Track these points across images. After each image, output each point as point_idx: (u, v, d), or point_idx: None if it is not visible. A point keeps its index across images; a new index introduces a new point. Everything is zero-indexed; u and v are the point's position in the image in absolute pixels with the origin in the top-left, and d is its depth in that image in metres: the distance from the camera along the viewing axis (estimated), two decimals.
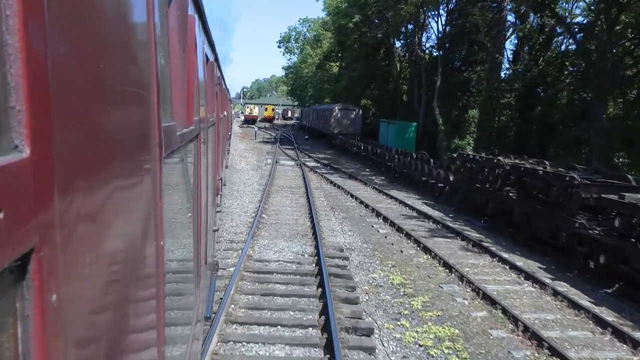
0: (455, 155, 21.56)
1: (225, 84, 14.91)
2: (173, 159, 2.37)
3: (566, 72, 32.31)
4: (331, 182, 24.10)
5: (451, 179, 20.22)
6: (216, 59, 7.39)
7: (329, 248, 12.31)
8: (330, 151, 43.83)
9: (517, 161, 16.83)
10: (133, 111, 1.37)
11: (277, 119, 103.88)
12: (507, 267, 11.77)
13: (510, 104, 33.53)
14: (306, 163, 31.80)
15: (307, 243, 12.79)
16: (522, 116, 32.49)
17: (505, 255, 12.61)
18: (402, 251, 12.75)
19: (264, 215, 15.80)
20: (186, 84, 2.78)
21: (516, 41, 36.48)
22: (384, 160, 29.83)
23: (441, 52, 41.77)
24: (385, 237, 14.15)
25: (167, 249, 1.92)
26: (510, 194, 15.58)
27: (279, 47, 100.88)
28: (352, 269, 10.99)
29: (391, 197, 20.81)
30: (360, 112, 48.25)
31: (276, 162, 30.79)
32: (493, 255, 12.60)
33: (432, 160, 25.90)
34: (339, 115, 47.32)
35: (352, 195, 20.41)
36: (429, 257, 12.29)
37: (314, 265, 10.87)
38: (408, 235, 14.09)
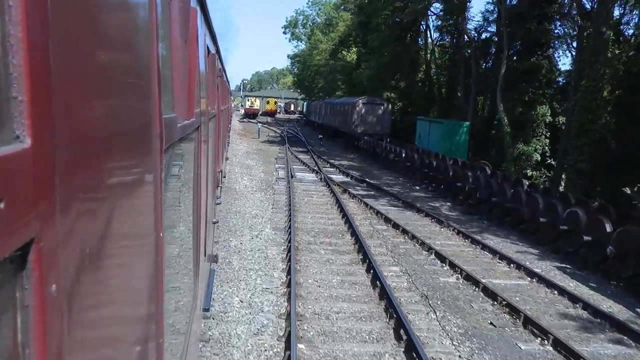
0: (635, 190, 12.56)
1: (226, 76, 14.88)
2: (174, 150, 2.37)
3: None
4: (381, 216, 16.19)
5: (608, 229, 11.94)
6: (217, 51, 7.37)
7: None
8: (353, 155, 35.83)
9: None
10: (134, 103, 1.37)
11: (279, 112, 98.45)
12: None
13: (608, 100, 23.98)
14: (331, 176, 23.81)
15: None
16: (631, 116, 22.40)
17: None
18: None
19: None
20: (187, 76, 2.78)
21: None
22: (439, 174, 22.33)
23: (507, 29, 31.12)
24: None
25: (166, 240, 1.93)
26: None
27: (284, 32, 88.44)
28: None
29: (503, 257, 12.54)
30: (390, 107, 39.24)
31: (291, 176, 22.61)
32: None
33: (539, 186, 18.98)
34: (363, 110, 38.03)
35: (437, 255, 12.19)
36: None
37: None
38: None
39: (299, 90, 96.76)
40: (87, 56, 0.95)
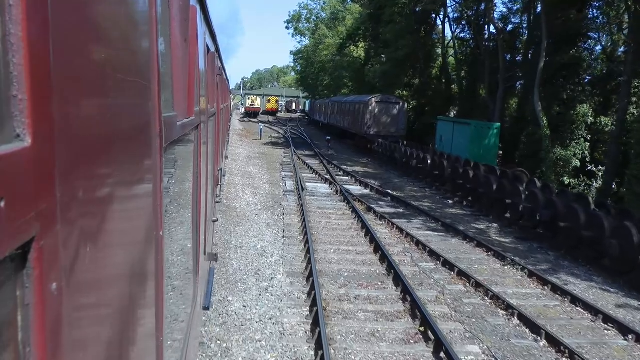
0: None
1: (226, 75, 14.88)
2: (173, 149, 2.37)
3: None
4: (423, 247, 12.88)
5: None
6: (217, 50, 7.37)
7: None
8: (366, 160, 32.36)
9: None
10: (134, 101, 1.37)
11: (280, 111, 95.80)
12: None
13: None
14: (347, 187, 20.64)
15: None
16: None
17: None
18: None
19: None
20: (187, 75, 2.78)
21: None
22: (477, 187, 18.78)
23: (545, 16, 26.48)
24: None
25: (166, 239, 1.93)
26: None
27: (286, 28, 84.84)
28: None
29: (608, 317, 9.40)
30: (405, 106, 35.49)
31: (302, 188, 19.32)
32: None
33: (610, 205, 15.46)
34: (376, 110, 34.44)
35: (521, 318, 9.12)
36: None
37: None
38: None
39: (301, 89, 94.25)
40: (87, 55, 0.95)
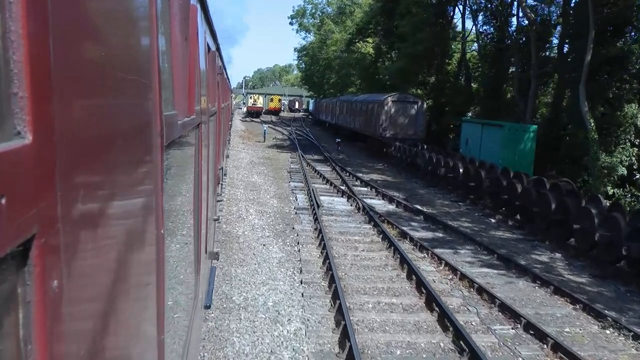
0: None
1: (226, 74, 14.88)
2: (174, 148, 2.38)
3: None
4: (488, 297, 9.92)
5: None
6: (218, 49, 7.37)
7: None
8: (382, 166, 29.17)
9: None
10: (135, 100, 1.37)
11: (283, 110, 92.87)
12: None
13: None
14: (369, 201, 17.69)
15: None
16: None
17: None
18: None
19: None
20: (188, 74, 2.78)
21: None
22: (528, 204, 15.45)
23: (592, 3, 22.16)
24: None
25: (167, 237, 1.93)
26: None
27: (290, 23, 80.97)
28: None
29: None
30: (424, 105, 32.33)
31: (317, 205, 16.30)
32: None
33: None
34: (392, 110, 31.37)
35: None
36: None
37: None
38: None
39: (305, 87, 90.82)
40: (87, 53, 0.95)
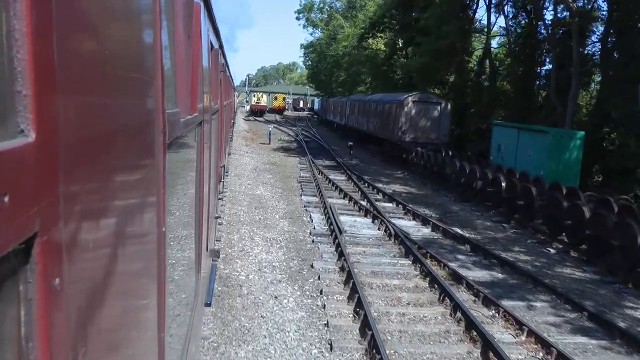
0: None
1: (229, 71, 14.88)
2: (176, 145, 2.38)
3: None
4: None
5: None
6: (221, 46, 7.37)
7: None
8: (401, 174, 25.88)
9: None
10: (137, 98, 1.37)
11: (287, 109, 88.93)
12: None
13: None
14: (399, 224, 14.45)
15: None
16: None
17: None
18: None
19: None
20: (190, 71, 2.78)
21: None
22: (600, 232, 12.29)
23: None
24: None
25: (168, 235, 1.93)
26: None
27: (297, 18, 76.42)
28: None
29: None
30: (449, 107, 28.98)
31: (339, 230, 13.07)
32: None
33: None
34: (413, 111, 28.37)
35: None
36: None
37: None
38: None
39: (311, 85, 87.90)
40: (90, 51, 0.95)
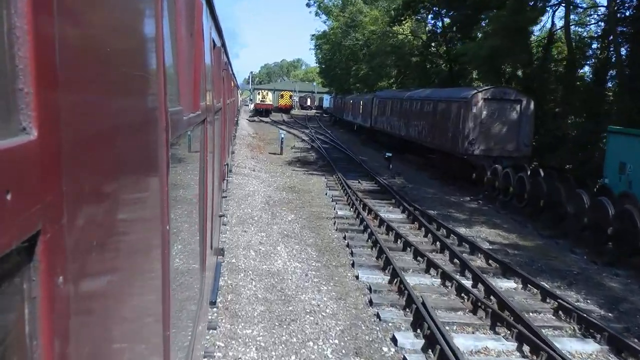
0: None
1: (232, 70, 14.88)
2: (179, 144, 2.38)
3: None
4: None
5: None
6: (223, 45, 7.37)
7: None
8: (475, 203, 17.75)
9: None
10: (140, 95, 1.37)
11: (294, 108, 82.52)
12: None
13: None
14: (548, 336, 7.08)
15: None
16: None
17: None
18: None
19: None
20: (193, 69, 2.78)
21: None
22: None
23: None
24: None
25: (173, 233, 1.93)
26: None
27: (307, 5, 63.44)
28: None
29: None
30: (532, 105, 20.41)
31: None
32: None
33: None
34: (484, 112, 19.97)
35: None
36: None
37: None
38: None
39: (321, 81, 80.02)
40: (93, 49, 0.95)
